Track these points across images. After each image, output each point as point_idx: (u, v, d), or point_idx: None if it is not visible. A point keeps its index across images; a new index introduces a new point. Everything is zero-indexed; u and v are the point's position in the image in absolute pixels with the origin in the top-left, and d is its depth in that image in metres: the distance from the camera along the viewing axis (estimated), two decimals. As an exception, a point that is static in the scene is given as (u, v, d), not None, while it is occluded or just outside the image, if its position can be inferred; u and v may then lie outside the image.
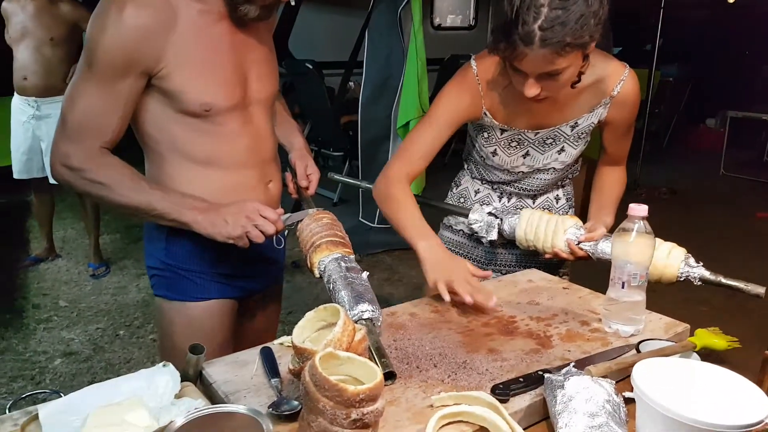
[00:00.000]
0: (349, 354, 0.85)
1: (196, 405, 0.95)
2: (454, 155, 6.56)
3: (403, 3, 3.89)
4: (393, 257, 4.36)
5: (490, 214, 1.59)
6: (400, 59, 4.03)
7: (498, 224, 1.57)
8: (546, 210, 1.60)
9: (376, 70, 4.19)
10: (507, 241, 1.60)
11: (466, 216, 1.61)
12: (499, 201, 1.64)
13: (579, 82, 1.33)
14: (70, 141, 1.22)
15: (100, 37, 1.18)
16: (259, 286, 1.54)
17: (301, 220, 1.35)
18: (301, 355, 0.91)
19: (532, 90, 1.26)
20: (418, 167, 1.51)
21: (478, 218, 1.58)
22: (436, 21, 7.34)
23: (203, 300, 1.42)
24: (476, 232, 1.60)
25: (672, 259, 1.33)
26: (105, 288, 3.81)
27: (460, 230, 1.70)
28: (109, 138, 1.24)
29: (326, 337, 0.88)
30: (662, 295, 1.48)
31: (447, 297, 1.27)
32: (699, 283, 1.33)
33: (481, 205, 1.63)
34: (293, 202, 1.68)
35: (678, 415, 0.76)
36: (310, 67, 4.99)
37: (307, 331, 0.97)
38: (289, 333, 1.03)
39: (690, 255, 1.36)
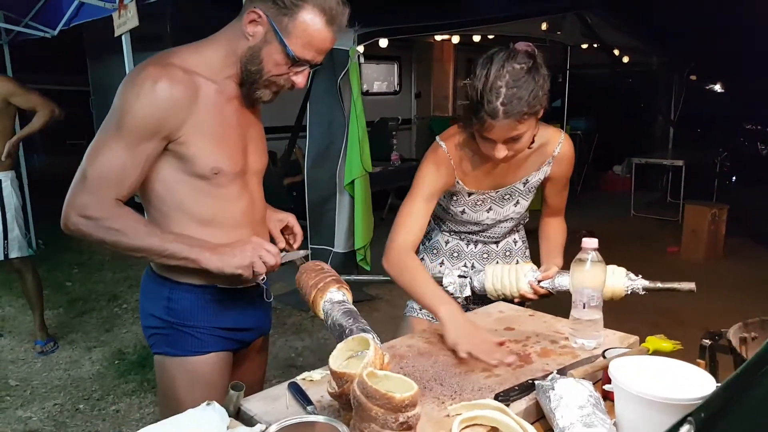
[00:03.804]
0: (385, 372, 1.03)
1: (246, 432, 1.09)
2: (390, 211, 6.89)
3: (342, 74, 4.20)
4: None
5: (460, 276, 1.80)
6: (342, 124, 4.31)
7: (469, 282, 1.78)
8: (507, 252, 1.87)
9: (320, 135, 4.44)
10: (479, 297, 1.81)
11: (440, 283, 1.80)
12: (467, 247, 1.88)
13: (534, 142, 1.60)
14: (89, 193, 1.32)
15: (133, 104, 1.32)
16: (252, 337, 1.66)
17: (294, 261, 1.51)
18: (340, 378, 1.07)
19: (501, 153, 1.53)
20: (417, 236, 1.70)
21: (452, 281, 1.79)
22: (364, 87, 7.77)
23: (205, 354, 1.52)
24: (451, 294, 1.78)
25: (616, 278, 1.59)
26: (56, 364, 3.72)
27: None
28: (125, 192, 1.36)
29: (363, 361, 1.06)
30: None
31: (464, 355, 1.39)
32: (643, 292, 1.59)
33: (452, 255, 1.87)
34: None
35: (649, 395, 0.98)
36: (252, 133, 5.15)
37: (339, 360, 1.14)
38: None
39: (629, 271, 1.62)
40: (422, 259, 1.98)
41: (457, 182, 1.73)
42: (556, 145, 1.75)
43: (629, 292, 1.60)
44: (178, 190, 1.43)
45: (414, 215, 1.70)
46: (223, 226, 1.48)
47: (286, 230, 1.74)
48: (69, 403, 3.25)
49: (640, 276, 1.61)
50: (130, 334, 4.18)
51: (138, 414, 3.13)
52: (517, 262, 1.92)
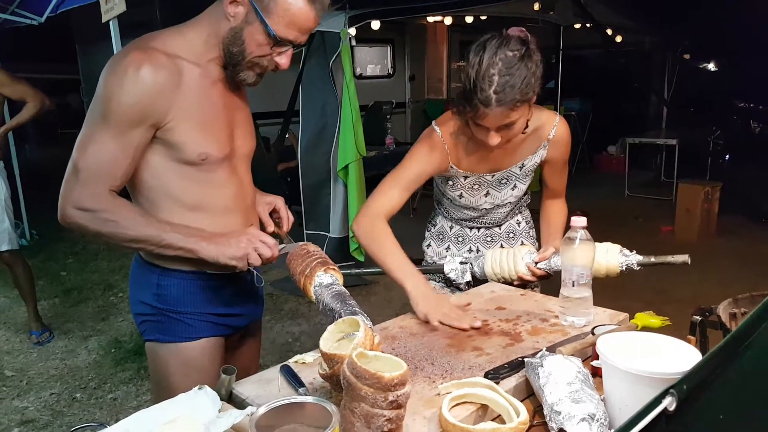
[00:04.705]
0: (375, 352, 1.03)
1: (237, 415, 1.09)
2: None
3: (333, 57, 4.17)
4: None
5: (461, 263, 1.83)
6: (335, 108, 4.27)
7: (469, 268, 1.81)
8: (511, 234, 1.90)
9: (313, 120, 4.41)
10: (480, 281, 1.82)
11: (442, 271, 1.84)
12: (470, 232, 1.90)
13: (527, 128, 1.60)
14: (83, 186, 1.31)
15: (117, 92, 1.30)
16: (243, 322, 1.66)
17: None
18: (331, 360, 1.08)
19: (494, 140, 1.53)
20: (393, 208, 1.71)
21: (453, 267, 1.83)
22: (357, 71, 7.75)
23: (196, 339, 1.52)
24: (453, 280, 1.83)
25: (611, 255, 1.61)
26: (52, 353, 3.72)
27: (439, 282, 1.94)
28: (118, 182, 1.35)
29: (353, 342, 1.06)
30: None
31: (436, 323, 1.49)
32: (638, 268, 1.60)
33: (457, 240, 1.89)
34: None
35: (636, 370, 0.99)
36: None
37: (329, 342, 1.14)
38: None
39: (623, 247, 1.63)
40: (428, 245, 2.00)
41: (452, 167, 1.73)
42: (551, 128, 1.75)
43: (624, 269, 1.61)
44: (165, 177, 1.42)
45: (394, 189, 1.70)
46: (212, 211, 1.48)
47: (274, 213, 1.73)
48: (66, 392, 3.26)
49: (634, 251, 1.62)
50: (126, 322, 4.18)
51: (135, 402, 3.14)
52: (522, 243, 1.94)
